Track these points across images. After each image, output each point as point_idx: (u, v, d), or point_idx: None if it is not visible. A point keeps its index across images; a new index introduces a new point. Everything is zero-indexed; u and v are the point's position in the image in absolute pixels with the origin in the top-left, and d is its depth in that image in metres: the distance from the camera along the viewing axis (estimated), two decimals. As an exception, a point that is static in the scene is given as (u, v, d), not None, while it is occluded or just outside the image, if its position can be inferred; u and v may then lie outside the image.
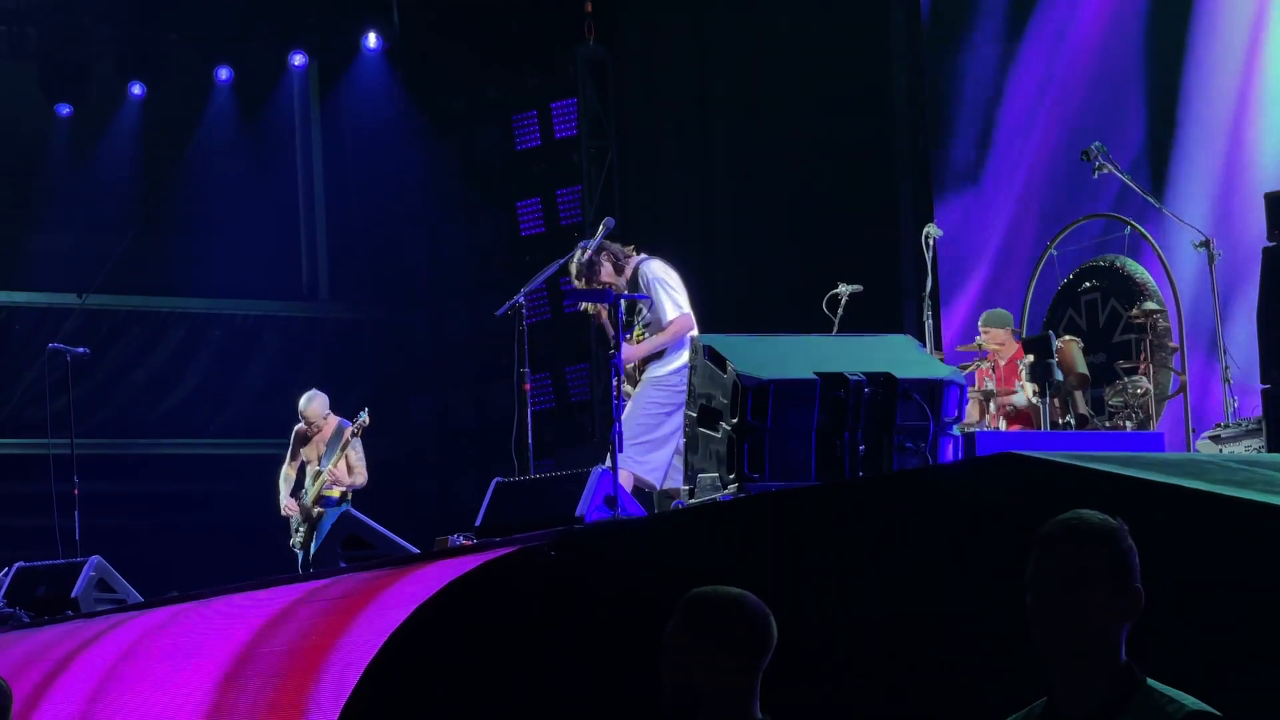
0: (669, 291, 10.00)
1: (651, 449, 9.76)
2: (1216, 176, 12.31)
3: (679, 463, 9.54)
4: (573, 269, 10.09)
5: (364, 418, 13.06)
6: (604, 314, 9.99)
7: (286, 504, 13.29)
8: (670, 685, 4.03)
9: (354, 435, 13.09)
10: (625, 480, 8.96)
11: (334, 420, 13.32)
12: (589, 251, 10.06)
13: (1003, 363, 11.24)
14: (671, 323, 9.93)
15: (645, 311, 9.99)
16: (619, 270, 10.05)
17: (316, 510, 13.09)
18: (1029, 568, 3.64)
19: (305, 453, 13.36)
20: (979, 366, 11.26)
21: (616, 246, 10.13)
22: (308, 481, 13.27)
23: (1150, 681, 3.62)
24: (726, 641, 4.01)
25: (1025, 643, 3.69)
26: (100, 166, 17.92)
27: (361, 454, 13.25)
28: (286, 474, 13.39)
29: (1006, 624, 4.29)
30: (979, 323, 11.60)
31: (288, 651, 7.32)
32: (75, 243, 17.84)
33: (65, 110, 17.44)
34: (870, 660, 5.85)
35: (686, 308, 10.04)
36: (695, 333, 9.84)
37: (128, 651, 8.20)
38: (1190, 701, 3.58)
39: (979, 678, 5.32)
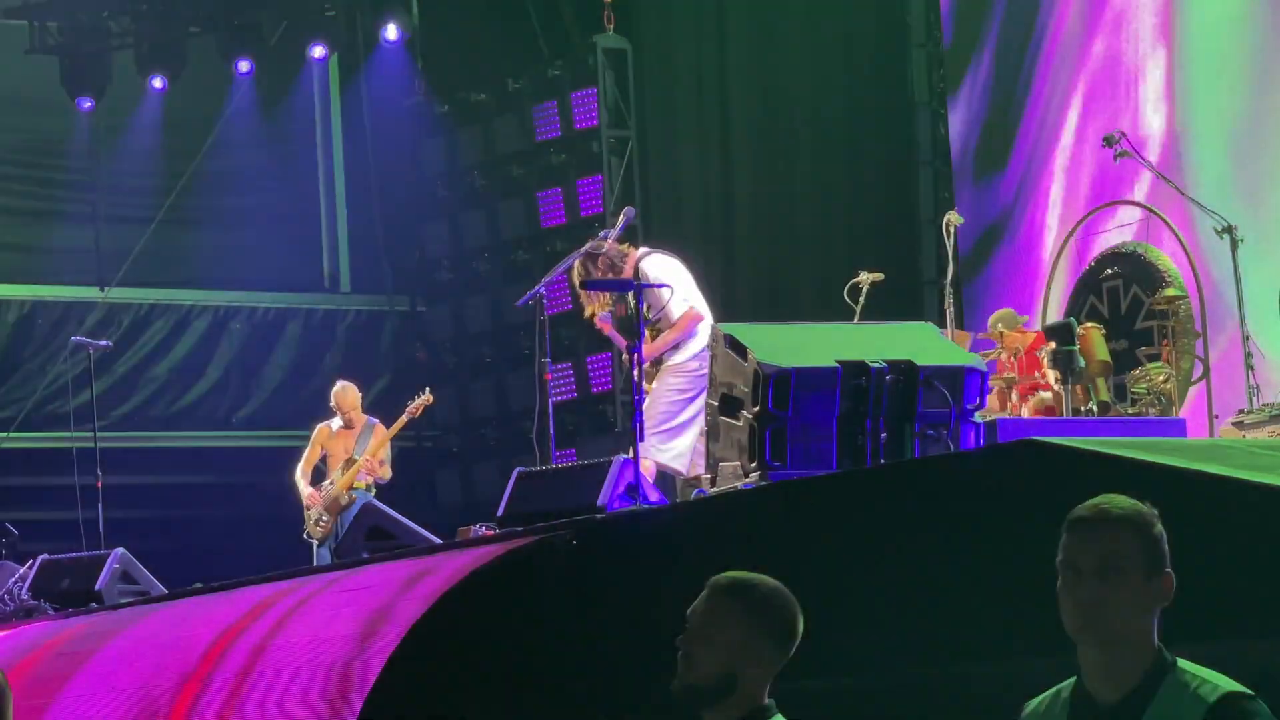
0: (671, 288, 10.01)
1: (672, 436, 9.77)
2: (1232, 161, 12.26)
3: (702, 447, 9.55)
4: (575, 277, 10.12)
5: (427, 393, 13.30)
6: (607, 328, 10.08)
7: (308, 494, 13.32)
8: (702, 664, 4.00)
9: (414, 415, 13.29)
10: (647, 469, 8.97)
11: (364, 417, 13.45)
12: (606, 243, 10.06)
13: (1022, 352, 11.20)
14: (679, 318, 9.94)
15: (654, 310, 9.99)
16: (618, 273, 10.04)
17: (348, 497, 13.15)
18: (1060, 551, 3.62)
19: (330, 446, 13.39)
20: (999, 355, 11.23)
21: (614, 250, 10.10)
22: (336, 473, 13.28)
23: (1181, 663, 3.62)
24: (775, 629, 4.02)
25: (1047, 628, 3.68)
26: (122, 160, 17.94)
27: (389, 449, 13.38)
28: (304, 469, 13.42)
29: (1028, 609, 4.29)
30: (989, 321, 11.57)
31: (311, 643, 7.32)
32: (97, 236, 17.85)
33: (86, 104, 17.44)
34: (892, 647, 5.85)
35: (692, 299, 10.04)
36: (706, 320, 9.87)
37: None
38: (1224, 682, 3.57)
39: (1000, 663, 5.32)
